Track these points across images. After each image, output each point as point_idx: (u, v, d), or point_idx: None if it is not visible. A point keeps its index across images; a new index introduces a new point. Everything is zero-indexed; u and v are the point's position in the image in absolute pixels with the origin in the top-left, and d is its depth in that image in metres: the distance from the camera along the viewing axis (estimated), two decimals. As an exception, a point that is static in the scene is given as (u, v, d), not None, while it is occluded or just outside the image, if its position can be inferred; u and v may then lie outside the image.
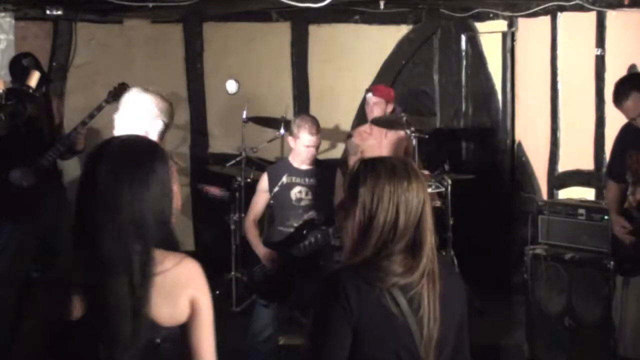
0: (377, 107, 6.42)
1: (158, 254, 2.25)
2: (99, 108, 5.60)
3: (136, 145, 2.35)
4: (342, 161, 7.21)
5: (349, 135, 6.67)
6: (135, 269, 2.19)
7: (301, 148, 5.01)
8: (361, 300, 2.28)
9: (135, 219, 2.22)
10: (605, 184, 5.35)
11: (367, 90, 6.61)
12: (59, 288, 2.23)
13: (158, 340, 2.23)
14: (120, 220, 2.21)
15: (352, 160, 6.45)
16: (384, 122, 6.25)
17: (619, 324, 4.92)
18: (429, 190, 5.98)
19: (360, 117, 7.42)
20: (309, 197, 5.04)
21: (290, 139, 5.11)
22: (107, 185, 2.23)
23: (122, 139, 2.42)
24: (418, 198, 2.36)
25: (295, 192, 5.05)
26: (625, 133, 4.91)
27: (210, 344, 2.31)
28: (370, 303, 2.28)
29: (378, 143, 6.44)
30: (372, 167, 2.41)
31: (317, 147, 5.06)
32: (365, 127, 6.57)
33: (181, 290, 2.25)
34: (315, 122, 5.03)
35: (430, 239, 2.36)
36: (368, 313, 2.28)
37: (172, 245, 2.32)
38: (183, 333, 2.27)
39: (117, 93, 5.68)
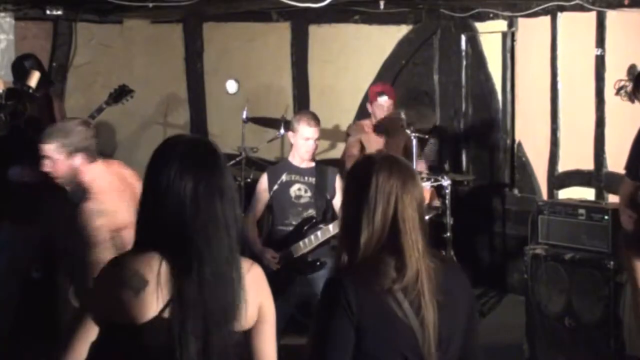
0: (387, 109, 6.42)
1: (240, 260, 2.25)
2: (99, 110, 5.60)
3: (214, 151, 2.29)
4: (343, 160, 7.21)
5: (347, 134, 6.65)
6: (234, 275, 2.18)
7: (300, 141, 5.03)
8: (362, 301, 2.28)
9: (225, 224, 2.20)
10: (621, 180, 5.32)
11: (379, 93, 6.53)
12: (121, 285, 2.16)
13: (229, 346, 2.21)
14: (215, 228, 2.17)
15: (351, 143, 6.45)
16: (384, 130, 6.25)
17: (626, 321, 4.89)
18: (428, 185, 6.01)
19: (361, 117, 7.42)
20: (308, 194, 5.06)
21: (290, 135, 5.14)
22: (194, 193, 2.18)
23: (195, 141, 2.31)
24: (410, 196, 2.36)
25: (295, 190, 5.06)
26: None
27: (274, 350, 2.31)
28: (372, 304, 2.29)
29: (377, 140, 6.44)
30: (363, 164, 2.43)
31: (316, 142, 5.06)
32: (367, 122, 6.57)
33: (252, 296, 2.24)
34: (314, 115, 5.08)
35: (415, 236, 2.35)
36: (369, 314, 2.28)
37: (243, 250, 2.31)
38: (248, 338, 2.26)
39: (117, 95, 5.69)
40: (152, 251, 2.17)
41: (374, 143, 6.34)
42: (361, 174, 2.41)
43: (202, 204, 2.18)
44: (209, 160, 2.24)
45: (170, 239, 2.16)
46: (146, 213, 2.23)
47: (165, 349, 2.13)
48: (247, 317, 2.23)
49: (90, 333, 2.22)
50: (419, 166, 6.25)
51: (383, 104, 6.44)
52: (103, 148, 7.18)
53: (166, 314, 2.14)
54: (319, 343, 2.31)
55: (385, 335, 2.30)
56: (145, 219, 2.23)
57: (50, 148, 3.74)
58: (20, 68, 5.65)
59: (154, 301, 2.13)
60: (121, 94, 5.69)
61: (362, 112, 7.48)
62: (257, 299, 2.26)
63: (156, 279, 2.13)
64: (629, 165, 4.83)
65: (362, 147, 6.52)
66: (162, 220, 2.18)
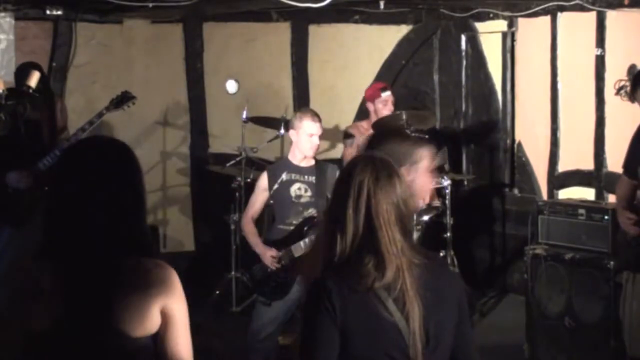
0: (391, 104, 6.44)
1: (130, 261, 2.19)
2: (100, 115, 5.58)
3: (101, 148, 2.29)
4: (342, 160, 7.21)
5: (345, 134, 6.65)
6: (102, 278, 2.14)
7: (304, 138, 5.00)
8: (344, 301, 2.29)
9: (100, 225, 2.16)
10: (618, 179, 5.32)
11: (382, 89, 6.53)
12: (29, 297, 2.18)
13: (130, 352, 2.16)
14: (85, 228, 2.16)
15: (347, 153, 6.45)
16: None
17: (626, 322, 4.88)
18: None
19: (360, 117, 7.42)
20: (309, 194, 5.05)
21: (291, 133, 5.10)
22: (70, 193, 2.18)
23: (88, 142, 2.34)
24: (384, 192, 2.37)
25: (295, 189, 5.05)
26: None
27: (186, 352, 2.24)
28: (355, 305, 2.30)
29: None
30: (348, 166, 2.45)
31: (319, 138, 5.05)
32: (364, 123, 6.58)
33: (152, 298, 2.16)
34: (316, 112, 5.08)
35: (391, 233, 2.35)
36: (353, 315, 2.29)
37: (145, 250, 2.24)
38: (157, 343, 2.21)
39: (119, 101, 5.67)
40: (49, 258, 2.19)
41: None
42: (341, 172, 2.49)
43: (80, 210, 2.17)
44: (98, 164, 2.22)
45: (56, 245, 2.18)
46: (44, 219, 2.26)
47: (69, 354, 2.15)
48: (148, 320, 2.17)
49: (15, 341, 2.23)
50: None
51: (387, 99, 6.44)
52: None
53: (63, 321, 2.15)
54: (305, 346, 2.33)
55: (370, 336, 2.31)
56: (44, 227, 2.25)
57: None
58: (22, 77, 5.60)
59: (52, 308, 2.14)
60: (122, 100, 5.67)
61: (362, 112, 7.48)
62: (158, 301, 2.17)
63: (53, 286, 2.14)
64: (627, 164, 4.83)
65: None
66: (50, 226, 2.21)
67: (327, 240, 2.41)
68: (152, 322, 2.18)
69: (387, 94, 6.47)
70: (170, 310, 2.19)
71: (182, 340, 2.23)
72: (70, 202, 2.18)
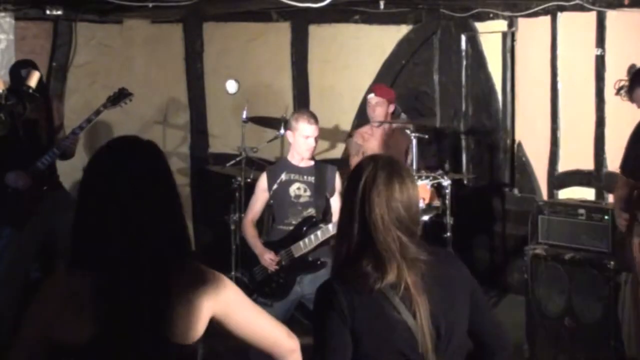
0: (379, 107, 6.44)
1: (173, 265, 2.09)
2: (97, 113, 5.58)
3: (136, 150, 2.22)
4: (343, 160, 7.21)
5: (349, 135, 6.68)
6: (150, 286, 2.04)
7: (300, 140, 5.02)
8: (354, 304, 2.30)
9: (144, 231, 2.06)
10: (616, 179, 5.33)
11: (369, 91, 6.65)
12: (61, 306, 2.07)
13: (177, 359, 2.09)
14: (128, 234, 2.05)
15: (354, 161, 6.47)
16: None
17: (625, 323, 4.89)
18: (428, 184, 6.01)
19: (361, 117, 7.43)
20: (308, 194, 5.06)
21: (289, 134, 5.13)
22: (109, 197, 2.07)
23: (119, 143, 2.24)
24: (378, 192, 2.38)
25: (294, 189, 5.06)
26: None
27: (268, 325, 2.26)
28: (364, 305, 2.31)
29: (379, 144, 6.45)
30: (355, 168, 2.47)
31: (316, 140, 5.06)
32: (366, 129, 6.59)
33: (201, 304, 2.09)
34: (312, 114, 5.10)
35: (387, 232, 2.35)
36: (363, 315, 2.30)
37: (186, 255, 2.15)
38: (236, 336, 2.21)
39: (116, 98, 5.68)
40: (86, 268, 2.08)
41: (377, 150, 6.34)
42: (347, 178, 2.52)
43: (117, 215, 2.07)
44: (127, 163, 2.15)
45: (92, 254, 2.08)
46: (76, 227, 2.13)
47: None
48: (196, 326, 2.09)
49: (35, 354, 2.13)
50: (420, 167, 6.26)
51: (371, 101, 6.51)
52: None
53: (103, 333, 2.05)
54: (318, 348, 2.34)
55: (380, 335, 2.32)
56: (76, 235, 2.12)
57: None
58: (16, 74, 5.60)
59: (91, 320, 2.04)
60: (120, 97, 5.69)
61: (362, 112, 7.48)
62: (207, 306, 2.10)
63: (92, 297, 2.04)
64: (625, 163, 4.84)
65: None
66: (85, 233, 2.10)
67: (336, 242, 2.44)
68: (199, 328, 2.12)
69: (370, 97, 6.55)
70: (222, 309, 2.15)
71: (255, 320, 2.25)
72: (107, 207, 2.07)
